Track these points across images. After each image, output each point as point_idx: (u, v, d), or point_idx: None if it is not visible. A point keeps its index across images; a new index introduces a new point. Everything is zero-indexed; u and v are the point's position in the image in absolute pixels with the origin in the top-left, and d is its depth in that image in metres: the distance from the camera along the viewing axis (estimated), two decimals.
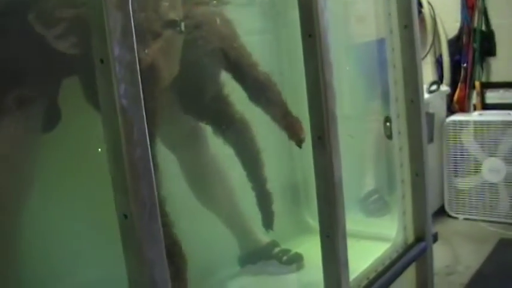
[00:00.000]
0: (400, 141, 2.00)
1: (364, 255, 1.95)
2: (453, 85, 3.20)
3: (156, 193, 1.02)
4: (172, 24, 1.48)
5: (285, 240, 2.16)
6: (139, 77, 0.97)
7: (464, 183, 3.09)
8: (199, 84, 1.72)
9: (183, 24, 1.48)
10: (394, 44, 1.91)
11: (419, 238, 2.09)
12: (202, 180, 1.93)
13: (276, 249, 2.07)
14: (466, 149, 3.04)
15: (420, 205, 2.07)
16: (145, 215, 1.00)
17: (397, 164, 2.02)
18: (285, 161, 2.38)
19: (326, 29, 1.40)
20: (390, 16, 1.89)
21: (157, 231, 1.02)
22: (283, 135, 1.83)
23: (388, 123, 2.01)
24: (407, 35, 1.90)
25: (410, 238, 2.09)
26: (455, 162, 3.09)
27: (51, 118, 1.48)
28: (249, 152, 1.82)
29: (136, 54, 0.96)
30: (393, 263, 1.94)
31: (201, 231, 1.98)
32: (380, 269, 1.89)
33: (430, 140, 3.04)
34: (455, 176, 3.11)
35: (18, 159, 1.40)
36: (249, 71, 1.70)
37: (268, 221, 1.90)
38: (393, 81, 1.94)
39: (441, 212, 3.19)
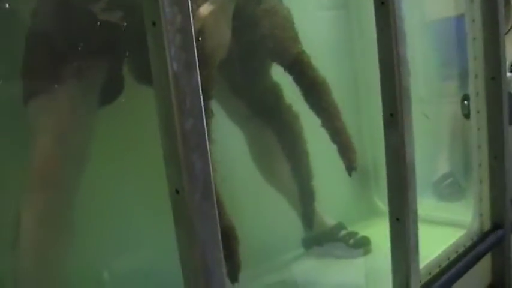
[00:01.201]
0: (479, 122, 1.86)
1: (436, 241, 1.83)
2: None
3: (210, 167, 0.96)
4: None
5: (353, 222, 2.07)
6: (194, 41, 0.90)
7: None
8: (249, 68, 1.64)
9: None
10: (475, 15, 1.77)
11: (497, 225, 1.95)
12: (269, 157, 1.86)
13: (343, 232, 1.99)
14: None
15: (499, 190, 1.93)
16: (198, 190, 0.94)
17: (475, 145, 1.88)
18: (354, 141, 2.29)
19: None
20: None
21: (211, 207, 0.96)
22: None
23: (466, 102, 1.88)
24: (489, 4, 1.76)
25: (487, 225, 1.95)
26: None
27: (113, 89, 1.45)
28: (293, 146, 1.74)
29: (191, 16, 0.89)
30: (467, 251, 1.82)
31: (266, 211, 1.92)
32: (453, 257, 1.77)
33: (511, 121, 2.85)
34: None
35: (75, 132, 1.36)
36: (306, 72, 1.61)
37: (307, 220, 1.84)
38: (473, 56, 1.80)
39: None
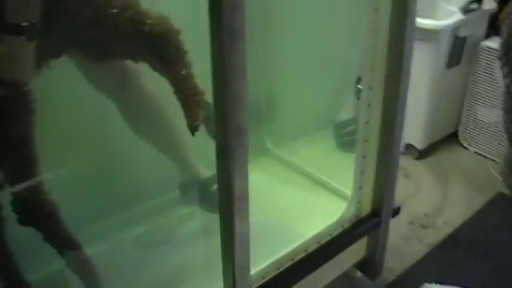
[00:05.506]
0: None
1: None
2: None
3: None
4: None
5: None
6: None
7: (485, 115, 2.73)
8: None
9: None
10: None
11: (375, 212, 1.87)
12: (140, 117, 1.75)
13: (216, 186, 1.90)
14: (496, 81, 2.63)
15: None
16: None
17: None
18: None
19: None
20: None
21: None
22: None
23: (359, 86, 1.69)
24: None
25: (366, 210, 1.87)
26: (480, 92, 2.71)
27: None
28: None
29: None
30: (331, 242, 1.76)
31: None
32: (311, 249, 1.71)
33: (457, 62, 2.65)
34: (477, 104, 2.75)
35: None
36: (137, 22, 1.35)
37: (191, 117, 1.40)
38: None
39: (453, 138, 2.90)
